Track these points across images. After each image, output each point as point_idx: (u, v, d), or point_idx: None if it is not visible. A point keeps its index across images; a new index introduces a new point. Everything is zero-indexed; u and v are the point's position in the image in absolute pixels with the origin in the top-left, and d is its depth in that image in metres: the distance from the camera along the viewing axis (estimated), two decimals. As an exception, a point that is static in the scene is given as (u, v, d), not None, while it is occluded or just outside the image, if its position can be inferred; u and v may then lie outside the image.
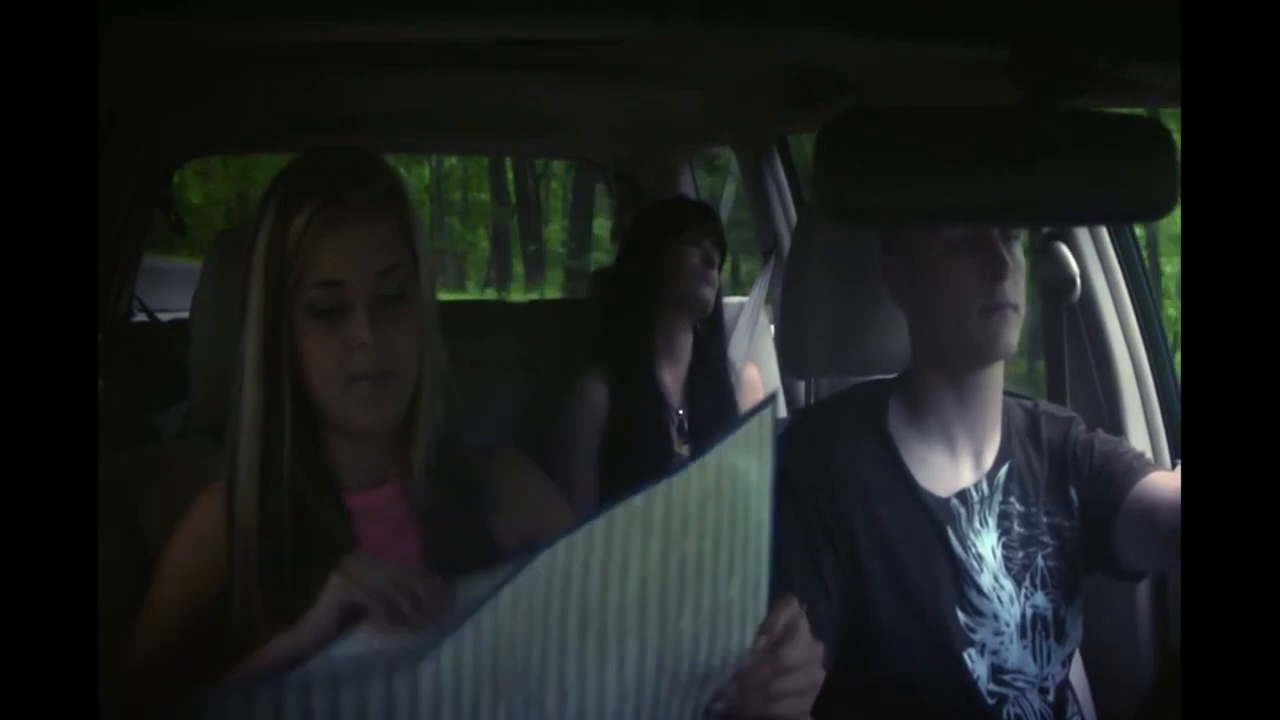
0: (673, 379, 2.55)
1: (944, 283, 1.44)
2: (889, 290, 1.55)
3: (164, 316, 2.96)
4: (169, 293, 3.86)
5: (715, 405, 2.53)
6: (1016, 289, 1.45)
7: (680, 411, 2.51)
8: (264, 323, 1.23)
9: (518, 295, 12.25)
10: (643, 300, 2.51)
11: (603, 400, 2.49)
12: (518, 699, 1.01)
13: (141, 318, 3.12)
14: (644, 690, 1.07)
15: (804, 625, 1.13)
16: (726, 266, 2.71)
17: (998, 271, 1.43)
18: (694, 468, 1.02)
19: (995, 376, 1.52)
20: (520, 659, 1.01)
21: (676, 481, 1.02)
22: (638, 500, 1.00)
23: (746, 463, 1.06)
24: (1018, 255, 1.46)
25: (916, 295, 1.50)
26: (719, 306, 2.61)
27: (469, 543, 1.30)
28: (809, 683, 1.13)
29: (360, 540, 1.28)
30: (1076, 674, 1.65)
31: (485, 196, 14.59)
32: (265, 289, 1.23)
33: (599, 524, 1.00)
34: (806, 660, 1.12)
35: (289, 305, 1.23)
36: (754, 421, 1.05)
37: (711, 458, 1.03)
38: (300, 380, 1.26)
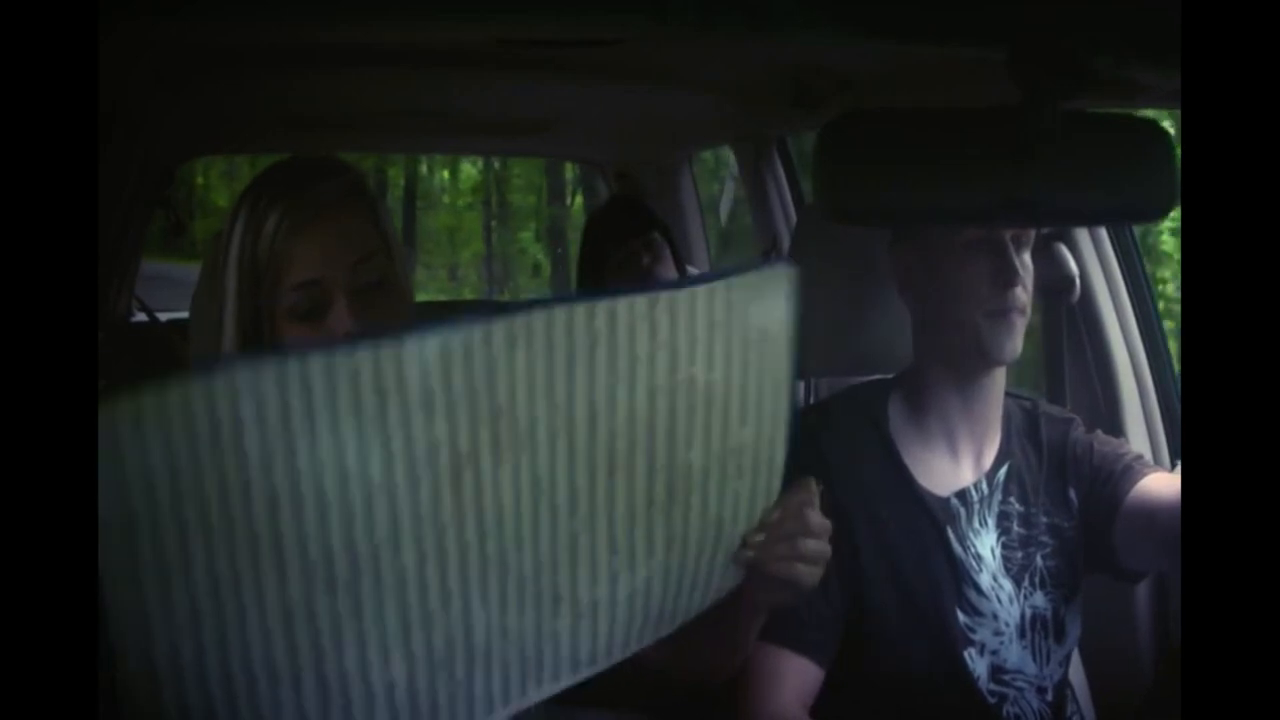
0: None
1: (953, 283, 1.44)
2: (895, 283, 1.54)
3: (164, 316, 2.96)
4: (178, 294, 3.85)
5: None
6: (1025, 294, 1.45)
7: None
8: (241, 329, 1.24)
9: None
10: None
11: None
12: (523, 466, 0.96)
13: (141, 318, 3.12)
14: (655, 517, 1.03)
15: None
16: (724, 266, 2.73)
17: (1008, 278, 1.43)
18: (701, 291, 0.98)
19: (998, 377, 1.52)
20: (523, 423, 0.94)
21: (681, 298, 0.97)
22: (641, 302, 0.95)
23: (760, 309, 1.03)
24: (1027, 261, 1.47)
25: (923, 292, 1.50)
26: None
27: None
28: (824, 551, 1.16)
29: None
30: (1076, 674, 1.65)
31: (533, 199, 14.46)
32: (239, 297, 1.24)
33: (601, 306, 0.94)
34: (824, 529, 1.16)
35: (268, 310, 1.24)
36: (768, 273, 1.03)
37: (721, 288, 0.99)
38: None
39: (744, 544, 1.14)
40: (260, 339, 1.25)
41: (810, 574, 1.17)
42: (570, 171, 12.99)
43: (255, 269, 1.23)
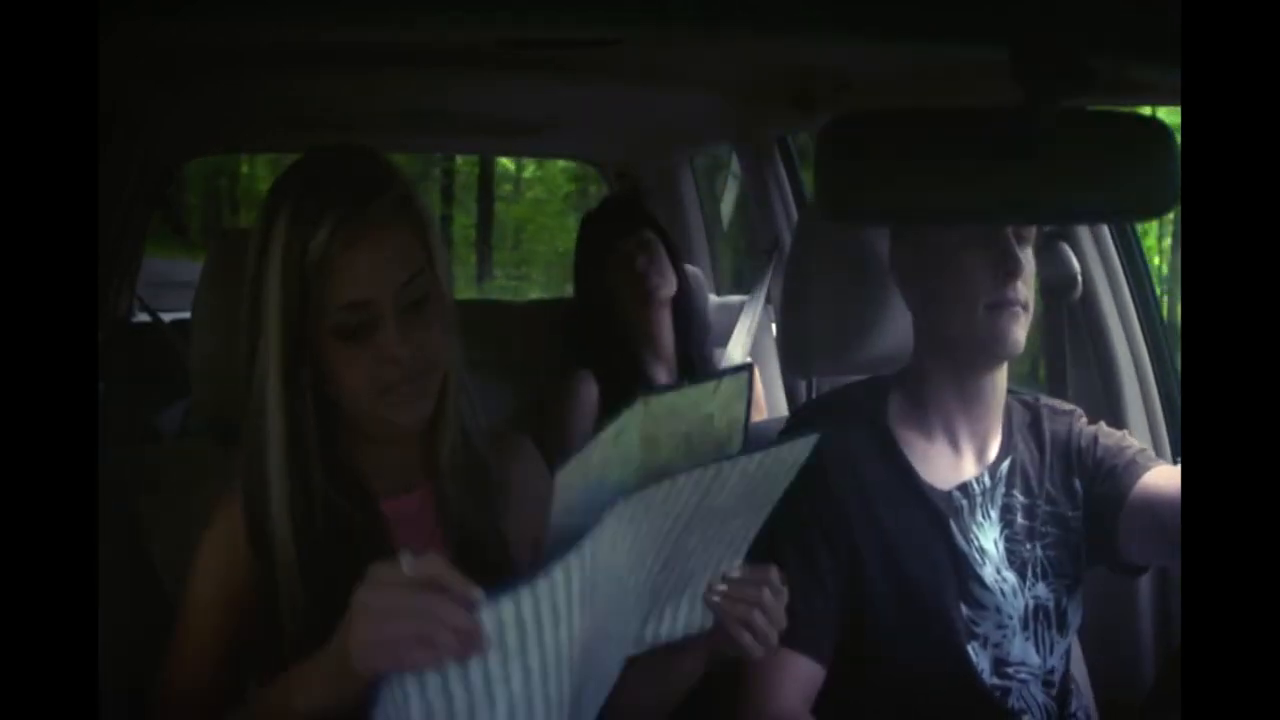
0: (664, 374, 2.56)
1: (953, 276, 1.44)
2: (896, 279, 1.54)
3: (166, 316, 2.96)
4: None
5: None
6: (1027, 289, 1.45)
7: None
8: (285, 341, 1.21)
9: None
10: (607, 306, 2.54)
11: (593, 398, 2.50)
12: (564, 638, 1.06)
13: (143, 317, 3.12)
14: (649, 595, 1.17)
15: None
16: (724, 266, 2.72)
17: (1010, 268, 1.42)
18: (741, 462, 1.11)
19: (1000, 374, 1.52)
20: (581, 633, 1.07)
21: (726, 467, 1.11)
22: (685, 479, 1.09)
23: (778, 478, 1.17)
24: (1029, 256, 1.46)
25: (924, 286, 1.49)
26: (687, 287, 2.62)
27: (486, 543, 1.31)
28: (773, 634, 1.21)
29: (396, 549, 1.27)
30: (1078, 666, 1.66)
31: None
32: (284, 309, 1.20)
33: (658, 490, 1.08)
34: (776, 607, 1.21)
35: (312, 324, 1.21)
36: (800, 443, 1.14)
37: (758, 459, 1.12)
38: (327, 393, 1.24)
39: (709, 589, 1.20)
40: (305, 352, 1.22)
41: (754, 645, 1.20)
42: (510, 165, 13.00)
43: (303, 278, 1.19)
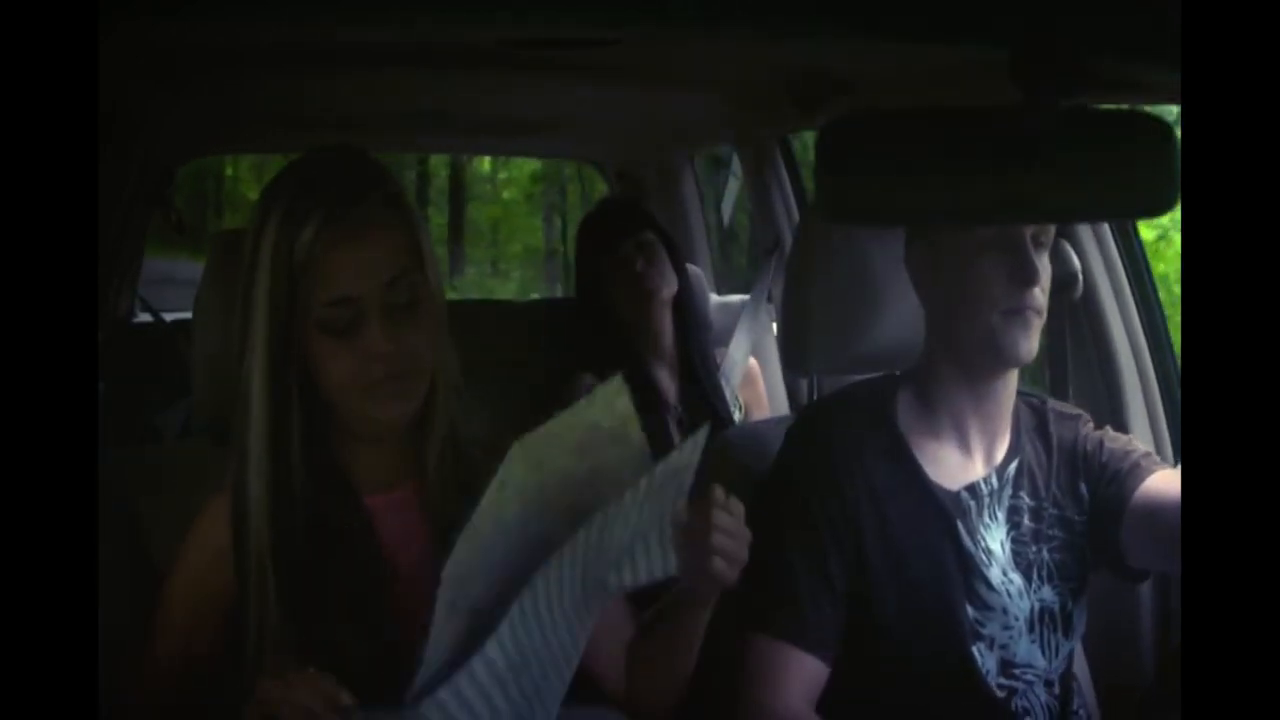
0: (667, 375, 2.55)
1: (969, 280, 1.43)
2: (911, 280, 1.54)
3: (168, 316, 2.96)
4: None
5: (703, 395, 2.54)
6: (1043, 295, 1.45)
7: (678, 406, 2.51)
8: (271, 338, 1.22)
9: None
10: (608, 309, 2.53)
11: None
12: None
13: (144, 317, 3.12)
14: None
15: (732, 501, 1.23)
16: (725, 266, 2.70)
17: (1027, 275, 1.42)
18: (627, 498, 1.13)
19: (1010, 377, 1.51)
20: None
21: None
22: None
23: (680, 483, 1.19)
24: (1045, 262, 1.46)
25: (939, 289, 1.49)
26: (688, 287, 2.61)
27: None
28: (741, 548, 1.21)
29: (378, 541, 1.28)
30: (1079, 664, 1.66)
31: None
32: (271, 305, 1.22)
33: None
34: (738, 528, 1.21)
35: (299, 320, 1.22)
36: (689, 445, 1.15)
37: (644, 484, 1.14)
38: (313, 389, 1.25)
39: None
40: (291, 349, 1.23)
41: (728, 568, 1.21)
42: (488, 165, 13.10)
43: (290, 277, 1.21)
